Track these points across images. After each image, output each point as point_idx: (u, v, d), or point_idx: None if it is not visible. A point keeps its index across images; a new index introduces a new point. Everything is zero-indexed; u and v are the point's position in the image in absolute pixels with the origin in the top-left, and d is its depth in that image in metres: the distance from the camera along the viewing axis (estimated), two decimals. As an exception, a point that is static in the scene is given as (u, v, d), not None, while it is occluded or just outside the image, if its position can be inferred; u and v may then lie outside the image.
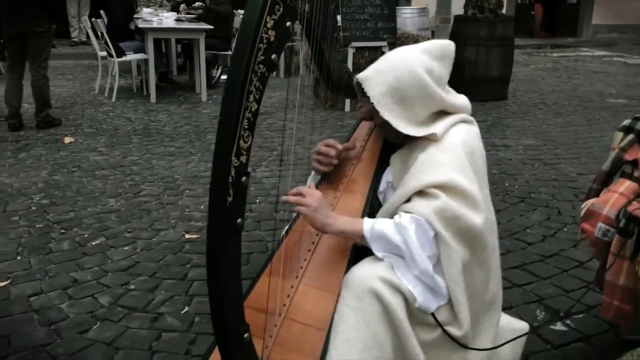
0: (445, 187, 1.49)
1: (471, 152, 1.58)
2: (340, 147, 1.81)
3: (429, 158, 1.55)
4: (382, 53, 6.23)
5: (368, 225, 1.50)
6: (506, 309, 1.78)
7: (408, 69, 1.57)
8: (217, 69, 7.86)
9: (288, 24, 1.23)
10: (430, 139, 1.58)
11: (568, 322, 2.34)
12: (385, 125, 1.62)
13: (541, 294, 2.55)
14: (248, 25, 1.17)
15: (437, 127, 1.58)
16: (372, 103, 1.58)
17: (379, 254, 1.50)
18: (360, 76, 1.62)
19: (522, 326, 1.89)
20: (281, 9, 1.20)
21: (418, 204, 1.49)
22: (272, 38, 1.20)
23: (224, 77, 8.01)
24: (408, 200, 1.53)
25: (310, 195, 1.54)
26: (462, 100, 1.69)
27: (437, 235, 1.47)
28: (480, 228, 1.52)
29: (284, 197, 1.58)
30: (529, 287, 2.62)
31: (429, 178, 1.50)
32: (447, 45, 1.65)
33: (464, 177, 1.51)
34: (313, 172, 1.89)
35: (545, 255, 2.93)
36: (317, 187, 1.81)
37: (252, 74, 1.17)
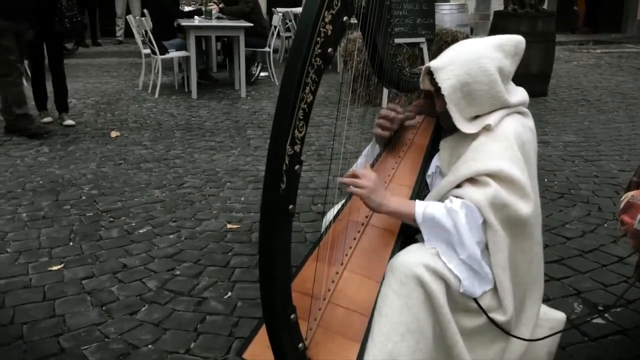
0: (496, 176, 1.52)
1: (522, 142, 1.61)
2: (402, 112, 1.87)
3: (481, 146, 1.58)
4: (420, 49, 6.24)
5: (420, 208, 1.54)
6: (544, 301, 1.80)
7: (481, 67, 1.58)
8: (257, 66, 7.98)
9: (345, 18, 1.25)
10: (484, 128, 1.61)
11: (606, 315, 2.34)
12: (444, 114, 1.66)
13: (579, 288, 2.55)
14: (307, 19, 1.21)
15: (491, 118, 1.61)
16: (443, 94, 1.60)
17: (427, 238, 1.53)
18: (434, 65, 1.63)
19: (560, 317, 1.91)
20: (339, 4, 1.23)
21: (469, 191, 1.53)
22: (329, 32, 1.23)
23: (263, 74, 8.13)
24: (459, 186, 1.57)
25: (366, 177, 1.56)
26: (520, 95, 1.71)
27: (485, 222, 1.51)
28: (528, 217, 1.55)
29: (339, 179, 1.61)
30: (567, 280, 2.62)
31: (480, 166, 1.54)
32: (519, 43, 1.67)
33: (515, 167, 1.54)
34: (372, 142, 1.95)
35: (584, 250, 2.91)
36: (376, 158, 1.88)
37: (309, 66, 1.21)
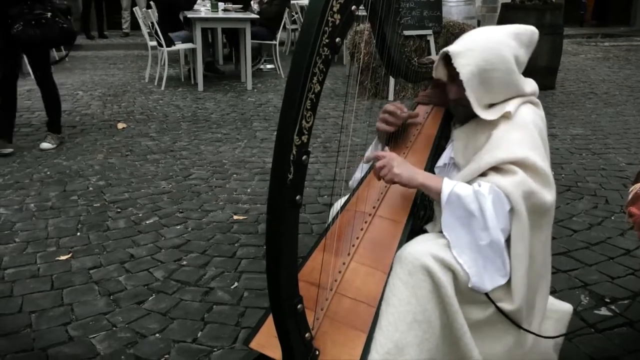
0: (521, 164, 1.51)
1: (539, 130, 1.62)
2: (406, 111, 1.86)
3: (503, 135, 1.57)
4: (427, 42, 6.21)
5: (448, 187, 1.51)
6: (551, 293, 1.79)
7: (498, 54, 1.58)
8: (259, 61, 7.98)
9: (353, 8, 1.24)
10: (503, 116, 1.60)
11: (612, 307, 2.34)
12: (458, 102, 1.66)
13: (586, 280, 2.55)
14: (315, 9, 1.19)
15: (510, 106, 1.61)
16: (460, 80, 1.59)
17: (447, 222, 1.51)
18: (452, 50, 1.61)
19: (566, 308, 1.91)
20: None
21: (496, 178, 1.51)
22: (337, 22, 1.21)
23: (269, 66, 8.12)
24: (483, 175, 1.55)
25: (384, 158, 1.56)
26: (532, 85, 1.71)
27: (511, 210, 1.49)
28: (551, 205, 1.55)
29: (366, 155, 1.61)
30: (574, 273, 2.61)
31: (504, 154, 1.52)
32: (534, 33, 1.68)
33: (537, 155, 1.54)
34: (374, 142, 1.95)
35: (591, 243, 2.90)
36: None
37: (316, 56, 1.19)
